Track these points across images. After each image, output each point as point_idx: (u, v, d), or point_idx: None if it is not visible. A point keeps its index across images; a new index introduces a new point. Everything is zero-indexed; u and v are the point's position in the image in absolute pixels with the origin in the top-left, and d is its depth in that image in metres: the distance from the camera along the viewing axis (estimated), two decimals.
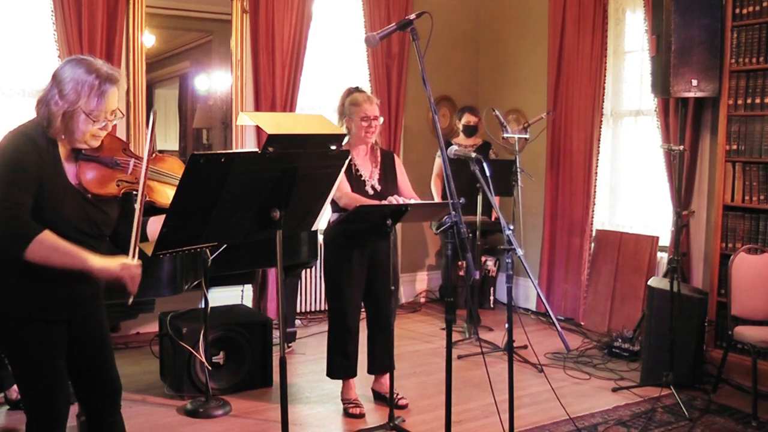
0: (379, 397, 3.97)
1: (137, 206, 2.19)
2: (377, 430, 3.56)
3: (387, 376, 3.76)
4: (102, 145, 2.27)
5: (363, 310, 3.90)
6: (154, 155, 2.42)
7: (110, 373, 2.47)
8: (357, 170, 3.76)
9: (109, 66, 2.23)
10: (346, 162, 2.51)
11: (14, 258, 2.08)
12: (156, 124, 2.30)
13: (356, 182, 3.73)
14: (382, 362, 3.89)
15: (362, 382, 4.01)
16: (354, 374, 3.88)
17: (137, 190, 2.26)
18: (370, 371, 3.96)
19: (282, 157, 2.24)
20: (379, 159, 3.85)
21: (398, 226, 3.73)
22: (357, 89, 3.85)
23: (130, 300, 2.17)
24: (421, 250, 6.55)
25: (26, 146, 2.13)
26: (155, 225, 2.34)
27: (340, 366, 3.84)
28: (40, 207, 2.12)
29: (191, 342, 3.86)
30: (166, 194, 2.37)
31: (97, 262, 2.12)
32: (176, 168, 2.44)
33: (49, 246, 2.08)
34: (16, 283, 2.19)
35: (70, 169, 2.23)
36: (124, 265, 2.13)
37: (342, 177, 3.64)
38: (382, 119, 3.84)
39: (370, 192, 3.74)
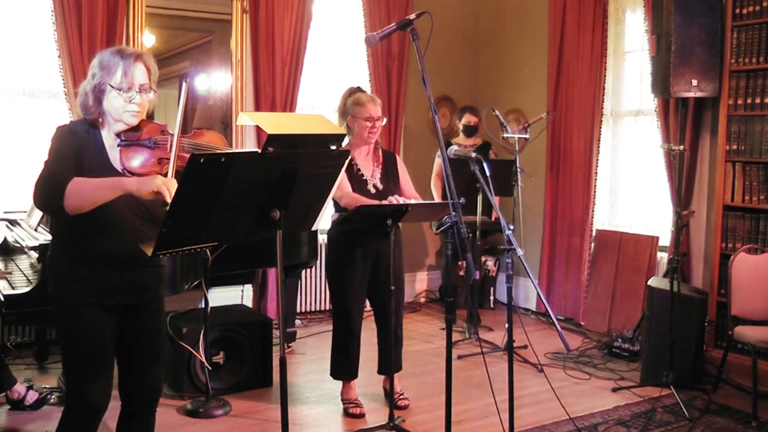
0: (388, 395, 3.96)
1: (177, 128, 2.29)
2: (377, 430, 3.56)
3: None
4: (141, 129, 2.35)
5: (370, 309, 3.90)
6: (192, 132, 2.46)
7: (155, 372, 2.50)
8: (358, 170, 3.75)
9: (135, 48, 2.41)
10: (346, 162, 2.51)
11: (64, 220, 2.21)
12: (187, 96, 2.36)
13: (358, 182, 3.72)
14: (385, 362, 3.89)
15: (363, 382, 4.01)
16: (355, 376, 3.88)
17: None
18: (379, 371, 3.97)
19: (282, 157, 2.24)
20: (380, 158, 3.85)
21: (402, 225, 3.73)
22: (359, 89, 3.85)
23: (168, 208, 2.18)
24: (421, 250, 6.55)
25: (65, 132, 2.31)
26: None
27: (341, 366, 3.84)
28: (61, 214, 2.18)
29: (191, 342, 3.86)
30: None
31: (132, 180, 2.20)
32: (215, 140, 2.47)
33: (81, 186, 2.15)
34: (68, 272, 2.31)
35: (114, 156, 2.33)
36: (159, 177, 2.20)
37: (343, 177, 3.64)
38: (385, 120, 3.83)
39: (372, 191, 3.73)
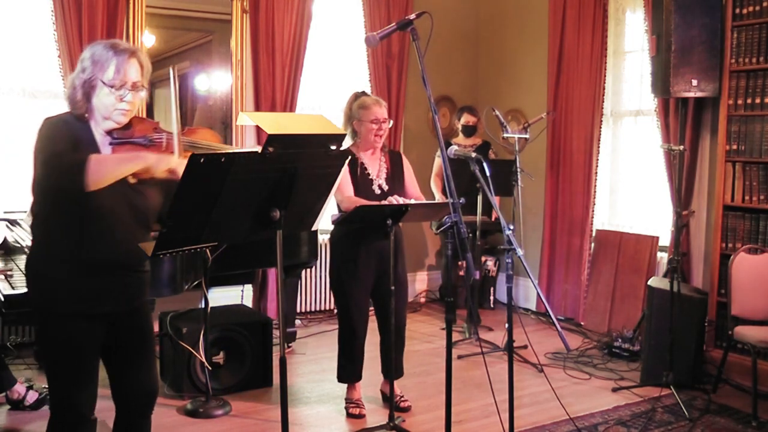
0: (386, 398, 3.96)
1: (173, 94, 2.20)
2: (377, 431, 3.56)
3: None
4: (133, 127, 2.27)
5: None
6: (185, 129, 2.39)
7: (147, 377, 2.44)
8: (365, 170, 3.75)
9: (128, 43, 2.30)
10: (346, 162, 2.51)
11: (54, 222, 2.14)
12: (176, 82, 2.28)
13: (364, 182, 3.71)
14: (386, 366, 3.88)
15: (364, 382, 3.99)
16: (359, 378, 3.87)
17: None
18: (382, 372, 3.97)
19: (282, 157, 2.24)
20: (386, 159, 3.85)
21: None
22: (363, 93, 3.86)
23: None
24: (421, 250, 6.55)
25: (57, 123, 2.20)
26: None
27: (346, 371, 3.84)
28: (77, 194, 2.09)
29: (191, 342, 3.86)
30: None
31: (152, 154, 2.14)
32: (209, 137, 2.42)
33: (102, 162, 2.09)
34: (54, 279, 2.20)
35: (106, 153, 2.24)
36: (175, 156, 2.14)
37: (346, 180, 3.64)
38: (391, 122, 3.83)
39: (377, 192, 3.73)
